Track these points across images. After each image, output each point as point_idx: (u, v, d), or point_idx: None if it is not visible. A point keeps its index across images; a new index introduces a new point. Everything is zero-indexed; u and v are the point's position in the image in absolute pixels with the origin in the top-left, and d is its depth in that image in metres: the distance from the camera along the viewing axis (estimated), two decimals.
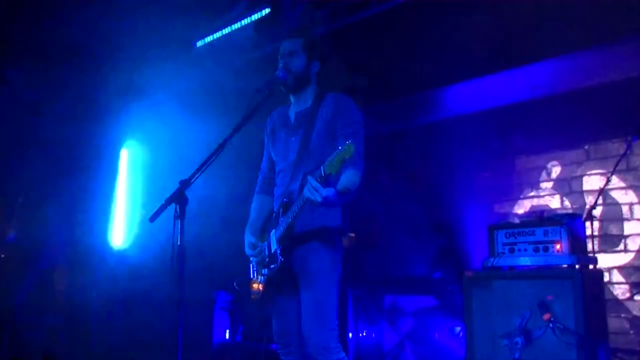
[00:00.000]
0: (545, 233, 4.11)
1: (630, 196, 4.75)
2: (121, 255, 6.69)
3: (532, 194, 5.32)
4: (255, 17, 5.82)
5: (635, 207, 4.72)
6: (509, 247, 4.24)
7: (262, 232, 3.24)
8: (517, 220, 5.01)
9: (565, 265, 3.95)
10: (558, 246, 4.04)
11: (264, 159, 3.44)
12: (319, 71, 3.24)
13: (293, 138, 3.16)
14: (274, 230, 3.09)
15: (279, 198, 3.15)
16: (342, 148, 2.61)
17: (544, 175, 5.28)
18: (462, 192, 5.56)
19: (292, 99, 3.28)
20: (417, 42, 4.90)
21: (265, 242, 3.15)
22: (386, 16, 5.09)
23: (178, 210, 2.66)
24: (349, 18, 5.36)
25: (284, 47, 3.21)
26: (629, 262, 4.67)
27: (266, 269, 3.12)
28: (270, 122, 3.39)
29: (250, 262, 3.28)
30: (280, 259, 2.99)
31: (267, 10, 5.70)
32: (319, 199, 2.64)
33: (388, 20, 5.09)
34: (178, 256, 2.63)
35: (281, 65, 3.17)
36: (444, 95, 5.48)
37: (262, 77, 3.10)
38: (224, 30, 6.07)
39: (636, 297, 4.59)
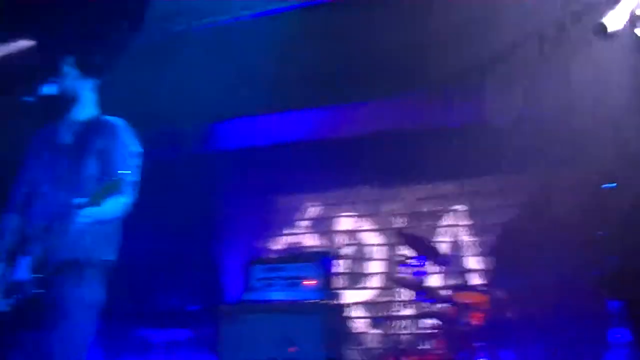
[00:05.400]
0: (298, 269, 4.34)
1: (377, 238, 5.22)
2: None
3: (290, 231, 5.57)
4: None
5: (379, 248, 5.20)
6: (264, 281, 4.39)
7: (10, 256, 2.95)
8: (274, 256, 5.20)
9: (314, 300, 4.19)
10: (309, 282, 4.28)
11: (20, 176, 3.16)
12: (96, 90, 3.13)
13: (63, 160, 2.99)
14: (24, 255, 2.85)
15: (37, 221, 2.92)
16: (109, 182, 2.60)
17: (302, 213, 5.57)
18: (224, 226, 5.63)
19: (65, 116, 3.10)
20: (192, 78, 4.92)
21: (12, 267, 2.87)
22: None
23: None
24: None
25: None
26: (369, 298, 5.12)
27: (10, 299, 2.84)
28: (37, 139, 3.16)
29: None
30: (31, 289, 2.75)
31: None
32: (74, 225, 2.66)
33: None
34: None
35: (51, 80, 3.04)
36: (214, 129, 5.54)
37: None
38: None
39: (372, 331, 5.03)
